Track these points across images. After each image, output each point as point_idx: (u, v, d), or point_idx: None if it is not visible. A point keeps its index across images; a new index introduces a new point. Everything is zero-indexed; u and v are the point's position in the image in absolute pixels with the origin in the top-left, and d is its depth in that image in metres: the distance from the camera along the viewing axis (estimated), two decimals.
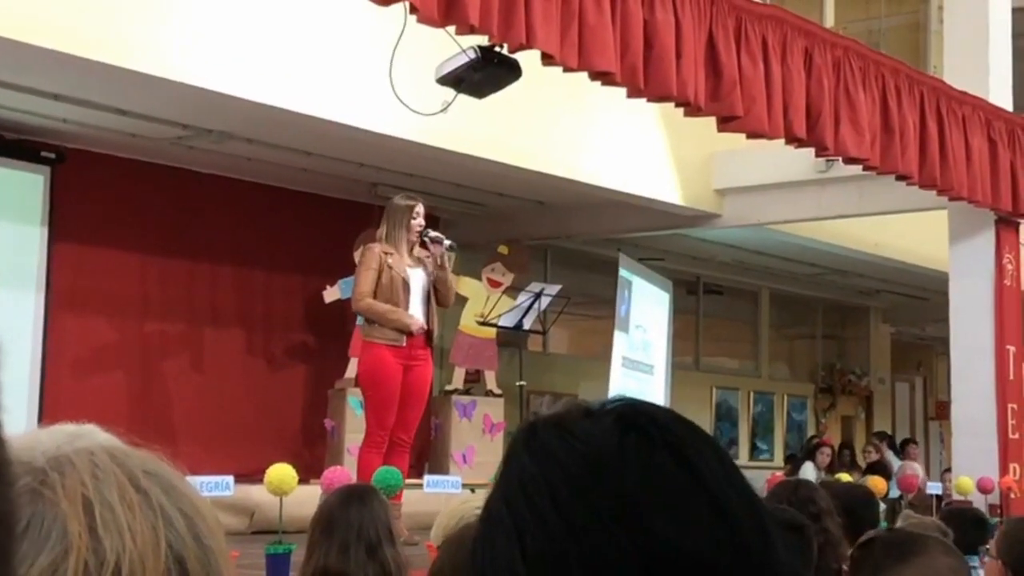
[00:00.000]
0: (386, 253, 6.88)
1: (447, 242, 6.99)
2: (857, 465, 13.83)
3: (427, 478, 6.63)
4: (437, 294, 7.02)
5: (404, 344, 6.81)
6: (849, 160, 7.85)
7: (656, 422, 0.90)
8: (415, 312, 6.89)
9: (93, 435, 0.77)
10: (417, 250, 7.02)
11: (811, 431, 16.40)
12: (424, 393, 7.10)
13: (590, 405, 0.93)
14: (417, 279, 6.94)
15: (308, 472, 7.44)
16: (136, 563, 0.69)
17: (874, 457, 13.90)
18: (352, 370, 10.08)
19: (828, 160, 9.26)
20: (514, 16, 5.53)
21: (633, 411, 0.91)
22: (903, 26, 15.36)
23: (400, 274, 6.84)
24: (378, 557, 3.29)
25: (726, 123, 6.87)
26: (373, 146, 8.60)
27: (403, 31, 5.80)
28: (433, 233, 7.01)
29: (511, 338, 9.46)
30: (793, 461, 13.80)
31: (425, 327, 6.92)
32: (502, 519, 0.88)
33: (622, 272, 11.45)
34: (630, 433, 0.88)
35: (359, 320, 9.47)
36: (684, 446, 0.89)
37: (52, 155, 9.11)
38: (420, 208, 7.02)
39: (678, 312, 13.43)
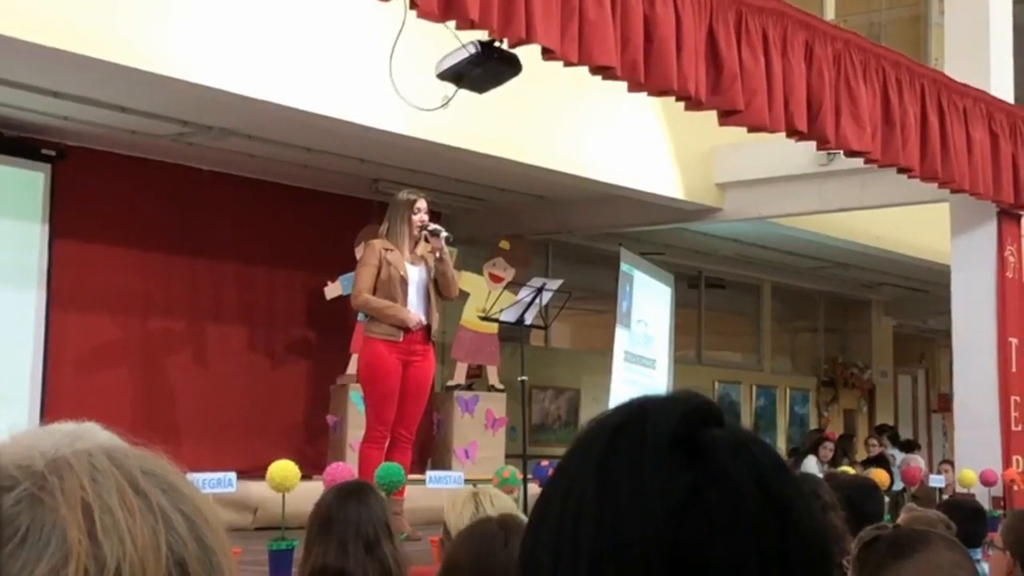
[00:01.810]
0: (386, 249, 6.88)
1: (444, 234, 6.97)
2: (854, 459, 13.84)
3: (429, 474, 6.64)
4: (439, 287, 7.02)
5: (401, 339, 6.81)
6: (850, 153, 7.84)
7: (739, 501, 0.83)
8: (413, 308, 6.89)
9: (92, 435, 0.76)
10: (421, 246, 7.01)
11: (813, 424, 16.41)
12: (425, 388, 7.09)
13: (685, 432, 0.85)
14: (416, 275, 6.93)
15: (310, 468, 7.44)
16: (136, 567, 0.68)
17: (875, 451, 13.90)
18: (354, 366, 10.08)
19: (829, 153, 9.25)
20: (514, 11, 5.53)
21: (717, 477, 0.84)
22: (903, 19, 15.34)
23: (398, 270, 6.84)
24: (377, 554, 3.28)
25: (727, 117, 6.86)
26: (374, 142, 8.59)
27: (403, 26, 5.79)
28: (432, 226, 7.00)
29: (513, 333, 9.45)
30: (796, 455, 13.80)
31: (424, 322, 6.92)
32: (545, 547, 0.86)
33: (624, 266, 11.45)
34: (700, 504, 0.82)
35: (361, 316, 9.49)
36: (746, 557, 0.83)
37: (53, 153, 9.10)
38: (422, 203, 7.00)
39: (680, 306, 13.43)
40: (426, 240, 7.03)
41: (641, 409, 0.89)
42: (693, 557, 0.82)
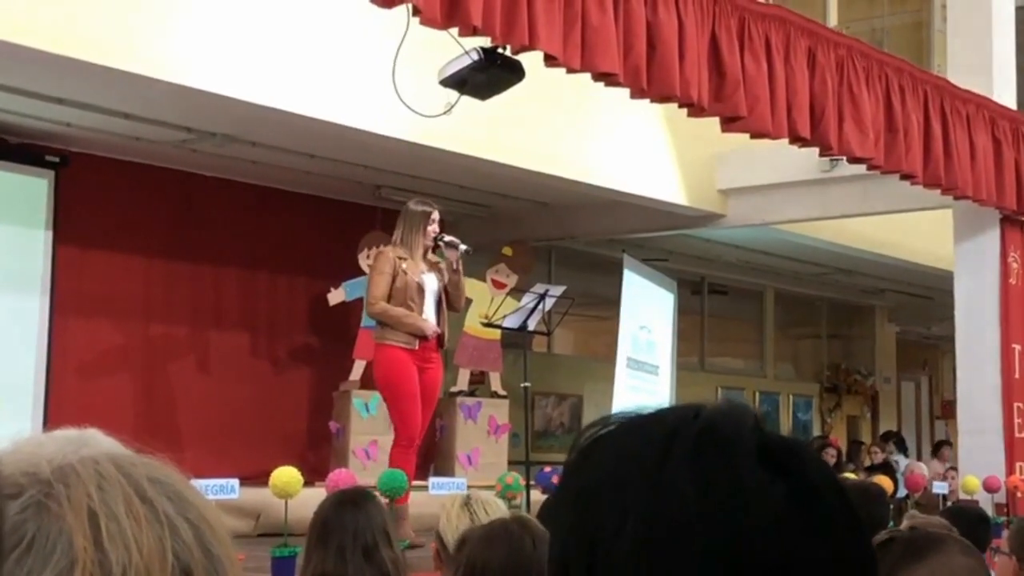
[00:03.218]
0: (400, 258, 6.93)
1: (463, 247, 7.03)
2: (861, 464, 13.83)
3: (432, 480, 6.65)
4: (448, 298, 7.08)
5: (416, 347, 6.88)
6: (853, 159, 7.83)
7: (830, 512, 0.86)
8: (429, 316, 6.95)
9: (97, 442, 0.76)
10: (430, 255, 7.08)
11: (817, 431, 16.39)
12: (435, 395, 7.18)
13: (765, 444, 0.87)
14: (431, 284, 6.99)
15: (313, 474, 7.45)
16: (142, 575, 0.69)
17: (879, 458, 13.88)
18: (357, 372, 10.09)
19: (832, 160, 9.24)
20: (517, 17, 5.53)
21: (808, 486, 0.86)
22: (906, 25, 15.34)
23: (415, 279, 6.90)
24: (375, 560, 3.28)
25: (730, 123, 6.86)
26: (377, 148, 8.60)
27: (406, 33, 5.80)
28: (448, 238, 7.05)
29: (516, 339, 9.46)
30: None
31: (439, 330, 6.99)
32: (629, 554, 0.85)
33: (626, 273, 11.44)
34: (798, 513, 0.85)
35: (364, 322, 9.48)
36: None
37: (56, 159, 9.11)
38: (436, 215, 7.07)
39: (683, 312, 13.42)
40: (433, 250, 7.09)
41: (705, 417, 0.89)
42: (794, 565, 0.84)
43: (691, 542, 0.83)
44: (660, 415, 0.91)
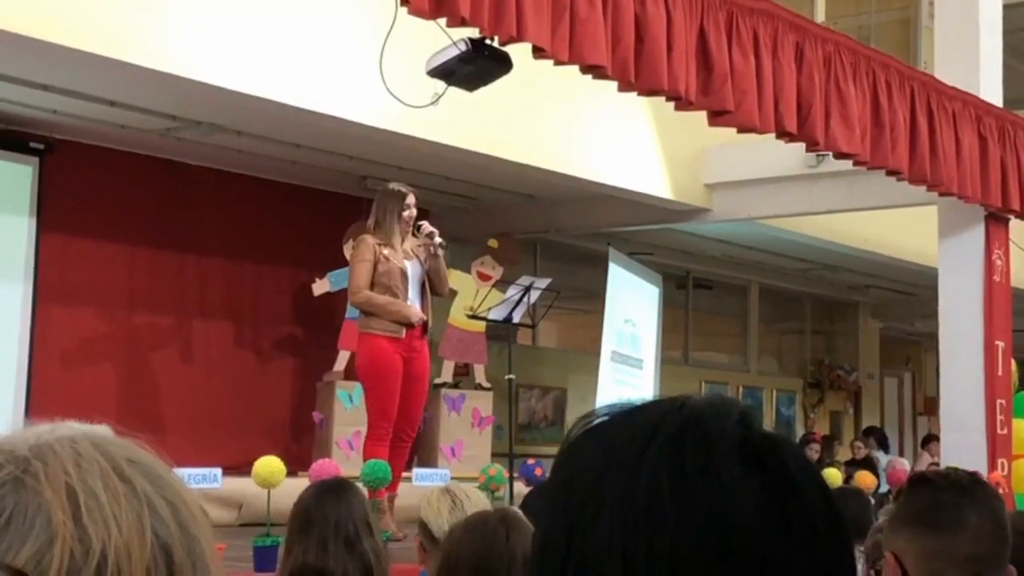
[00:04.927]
0: (380, 244, 6.89)
1: (438, 240, 6.99)
2: (835, 459, 13.88)
3: (416, 471, 6.65)
4: (432, 284, 7.04)
5: (403, 336, 6.82)
6: (839, 155, 7.84)
7: (811, 511, 0.85)
8: (414, 302, 6.91)
9: (75, 426, 0.76)
10: (409, 241, 7.03)
11: (800, 426, 16.43)
12: (426, 384, 7.13)
13: (747, 439, 0.86)
14: (413, 269, 6.95)
15: (296, 465, 7.44)
16: (122, 552, 0.68)
17: (861, 454, 13.93)
18: (341, 363, 10.08)
19: (818, 155, 9.26)
20: (505, 9, 5.52)
21: (788, 483, 0.85)
22: (894, 21, 15.37)
23: (398, 264, 6.85)
24: (357, 550, 3.27)
25: (717, 117, 6.85)
26: (362, 139, 8.58)
27: (394, 23, 5.78)
28: (427, 230, 6.99)
29: (500, 332, 9.45)
30: None
31: (424, 317, 6.94)
32: (605, 548, 0.84)
33: (612, 266, 11.45)
34: (776, 510, 0.83)
35: (349, 313, 9.47)
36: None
37: (41, 146, 9.07)
38: (411, 199, 7.02)
39: (667, 306, 13.44)
40: (414, 234, 7.05)
41: (689, 409, 0.88)
42: (769, 562, 0.82)
43: (663, 534, 0.82)
44: (649, 407, 0.90)
